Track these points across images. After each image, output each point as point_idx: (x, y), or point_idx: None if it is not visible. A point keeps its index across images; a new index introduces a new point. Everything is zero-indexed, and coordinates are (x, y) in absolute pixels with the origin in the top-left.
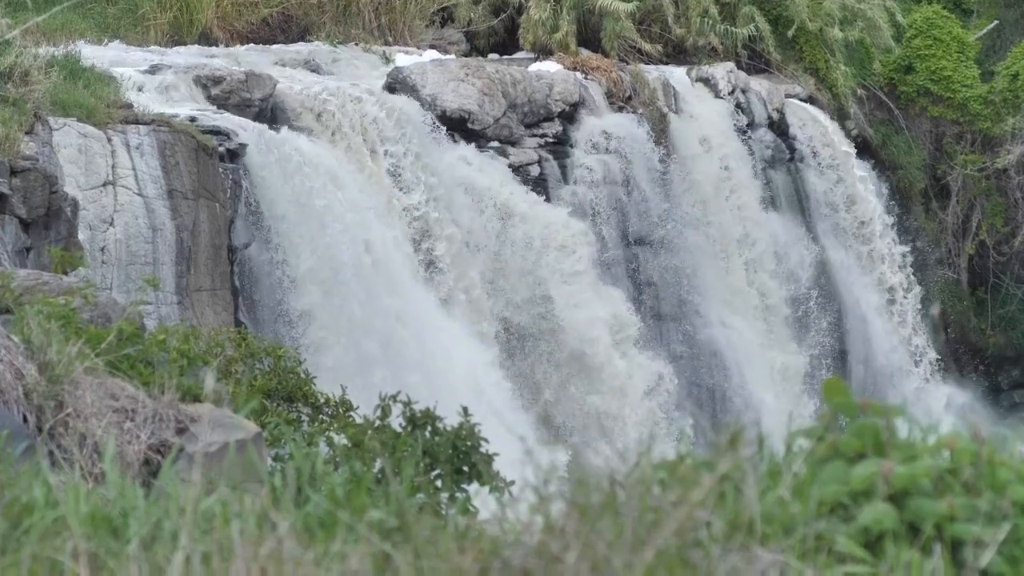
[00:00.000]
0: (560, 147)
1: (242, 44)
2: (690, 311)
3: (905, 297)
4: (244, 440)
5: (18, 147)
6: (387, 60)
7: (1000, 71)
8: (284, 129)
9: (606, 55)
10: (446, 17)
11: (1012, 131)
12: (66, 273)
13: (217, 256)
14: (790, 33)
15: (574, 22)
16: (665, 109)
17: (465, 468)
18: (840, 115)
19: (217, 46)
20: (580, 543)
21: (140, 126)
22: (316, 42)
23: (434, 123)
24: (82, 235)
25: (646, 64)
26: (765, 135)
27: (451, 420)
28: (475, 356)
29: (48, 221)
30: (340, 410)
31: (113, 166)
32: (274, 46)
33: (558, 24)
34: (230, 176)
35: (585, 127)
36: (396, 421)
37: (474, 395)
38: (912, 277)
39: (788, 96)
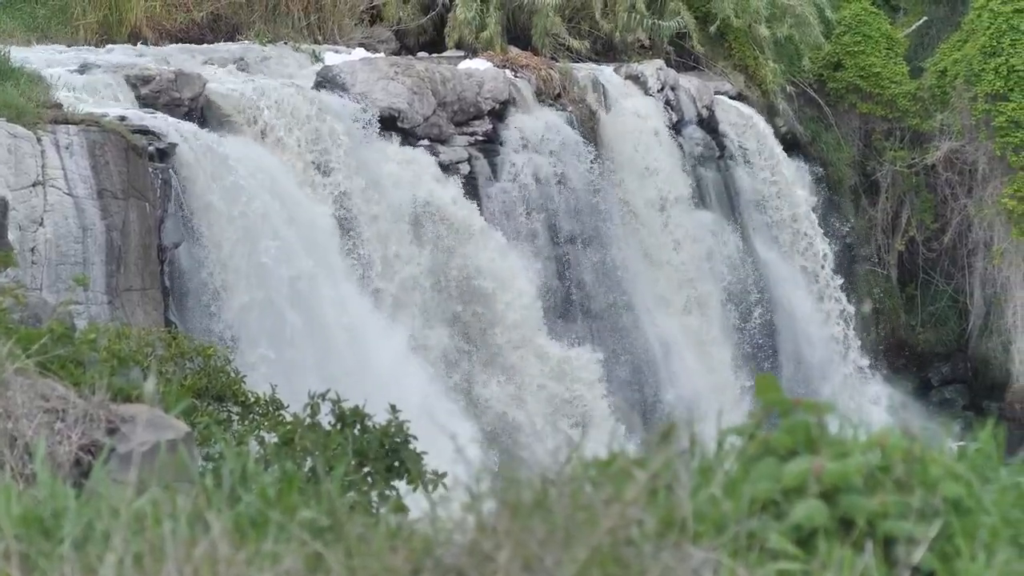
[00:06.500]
0: (490, 145)
1: (172, 43)
2: (621, 308)
3: (835, 294)
4: (175, 440)
5: None
6: (316, 59)
7: (928, 67)
8: (213, 128)
9: (536, 53)
10: (375, 15)
11: (940, 127)
12: None
13: (147, 256)
14: (712, 29)
15: (500, 22)
16: (595, 106)
17: (395, 464)
18: (770, 112)
19: (147, 45)
20: (512, 542)
21: (70, 126)
22: (245, 41)
23: (365, 121)
24: (12, 235)
25: (576, 62)
26: (695, 132)
27: (380, 417)
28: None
29: None
30: (270, 409)
31: (43, 166)
32: (203, 45)
33: (484, 23)
34: (160, 175)
35: (515, 125)
36: (325, 419)
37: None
38: (842, 274)
39: (718, 93)
